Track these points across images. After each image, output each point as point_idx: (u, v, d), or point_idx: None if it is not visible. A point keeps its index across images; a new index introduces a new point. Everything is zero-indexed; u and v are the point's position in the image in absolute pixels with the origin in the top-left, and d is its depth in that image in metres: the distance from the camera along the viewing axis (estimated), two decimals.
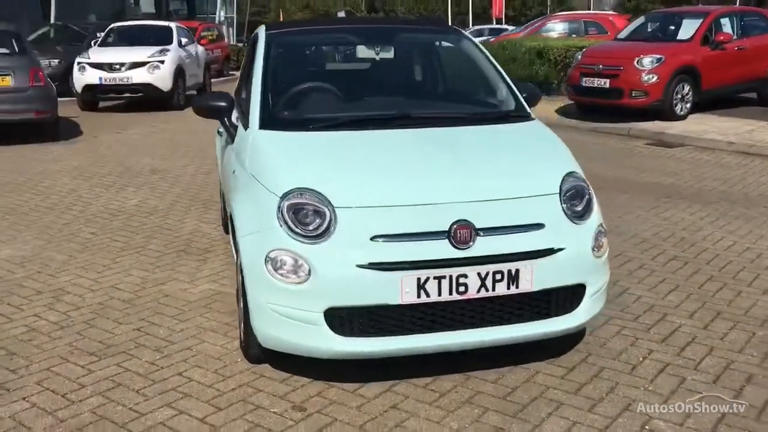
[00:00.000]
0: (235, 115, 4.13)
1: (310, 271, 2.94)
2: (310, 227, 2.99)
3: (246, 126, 3.73)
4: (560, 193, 3.26)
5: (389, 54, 4.37)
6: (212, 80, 17.38)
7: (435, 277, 2.94)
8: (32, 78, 9.57)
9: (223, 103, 3.88)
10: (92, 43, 14.31)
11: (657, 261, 5.00)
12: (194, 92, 15.65)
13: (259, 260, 3.03)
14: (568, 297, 3.21)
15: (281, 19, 40.25)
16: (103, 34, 14.56)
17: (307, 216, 3.01)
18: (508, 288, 3.03)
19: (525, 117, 3.94)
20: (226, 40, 23.81)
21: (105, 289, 4.52)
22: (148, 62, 13.03)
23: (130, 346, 3.70)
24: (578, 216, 3.27)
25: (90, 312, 4.15)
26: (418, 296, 2.94)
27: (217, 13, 27.07)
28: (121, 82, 12.93)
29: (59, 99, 10.61)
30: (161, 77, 13.03)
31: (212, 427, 2.92)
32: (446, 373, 3.30)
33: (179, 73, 13.60)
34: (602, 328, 3.83)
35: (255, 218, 3.16)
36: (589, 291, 3.26)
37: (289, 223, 3.00)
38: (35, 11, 21.59)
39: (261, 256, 3.03)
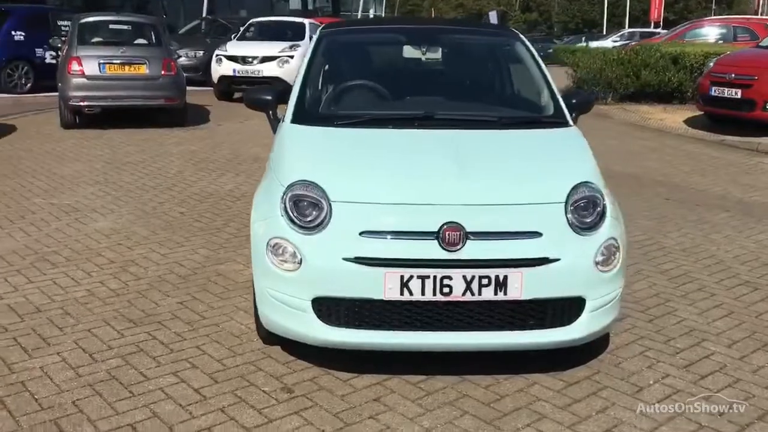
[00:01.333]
0: None
1: (301, 260, 3.08)
2: (308, 218, 3.12)
3: (284, 119, 3.92)
4: (567, 203, 3.18)
5: (436, 54, 4.41)
6: None
7: (419, 277, 2.98)
8: (164, 67, 10.38)
9: (269, 97, 4.09)
10: (232, 36, 15.18)
11: (722, 284, 4.70)
12: None
13: (262, 246, 3.21)
14: (565, 309, 3.14)
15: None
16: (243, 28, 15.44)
17: (306, 208, 3.14)
18: (496, 294, 3.01)
19: (561, 123, 3.86)
20: None
21: (169, 264, 4.88)
22: (278, 57, 13.67)
23: (167, 317, 4.00)
24: (586, 227, 3.18)
25: (146, 283, 4.51)
26: (401, 294, 2.99)
27: (359, 9, 27.68)
28: (252, 75, 13.65)
29: (202, 88, 11.39)
30: (289, 71, 13.60)
31: (202, 397, 3.13)
32: (446, 374, 3.32)
33: None
34: (626, 348, 3.69)
35: (265, 206, 3.33)
36: (589, 306, 3.16)
37: (290, 213, 3.15)
38: (195, 5, 23.15)
39: (263, 243, 3.20)
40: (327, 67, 4.28)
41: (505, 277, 3.00)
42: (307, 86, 3.99)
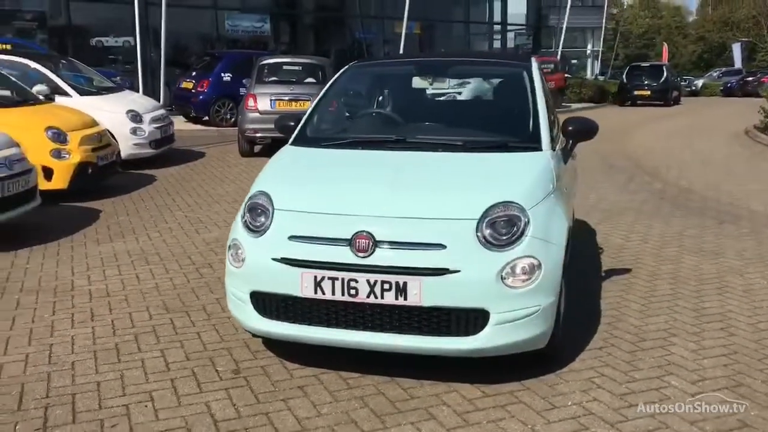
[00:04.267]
0: None
1: (244, 258, 3.59)
2: (257, 223, 3.63)
3: None
4: (481, 219, 3.35)
5: (443, 85, 4.69)
6: None
7: (329, 278, 3.34)
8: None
9: (291, 123, 4.66)
10: None
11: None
12: None
13: (227, 247, 3.77)
14: (470, 320, 3.30)
15: (664, 55, 38.77)
16: None
17: (259, 214, 3.65)
18: (396, 299, 3.28)
19: (531, 148, 3.98)
20: (563, 73, 24.13)
21: None
22: (447, 92, 14.24)
23: (196, 308, 4.68)
24: (499, 244, 3.33)
25: (204, 282, 5.25)
26: (315, 292, 3.37)
27: (559, 46, 27.45)
28: None
29: None
30: None
31: (167, 369, 3.73)
32: (385, 374, 3.61)
33: None
34: (582, 372, 3.71)
35: (239, 213, 3.90)
36: (494, 319, 3.29)
37: (246, 218, 3.69)
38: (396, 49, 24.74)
39: (227, 244, 3.77)
40: (339, 95, 4.77)
41: (405, 284, 3.26)
42: (316, 111, 4.52)
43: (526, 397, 3.42)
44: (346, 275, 3.32)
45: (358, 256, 3.32)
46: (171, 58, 17.32)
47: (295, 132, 4.41)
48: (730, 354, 3.96)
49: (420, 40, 25.36)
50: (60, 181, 8.05)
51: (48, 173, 7.98)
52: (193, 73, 15.63)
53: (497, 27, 29.91)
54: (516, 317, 3.33)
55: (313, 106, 4.56)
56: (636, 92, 25.21)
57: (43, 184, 7.95)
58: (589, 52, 36.17)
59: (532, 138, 4.04)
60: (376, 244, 3.32)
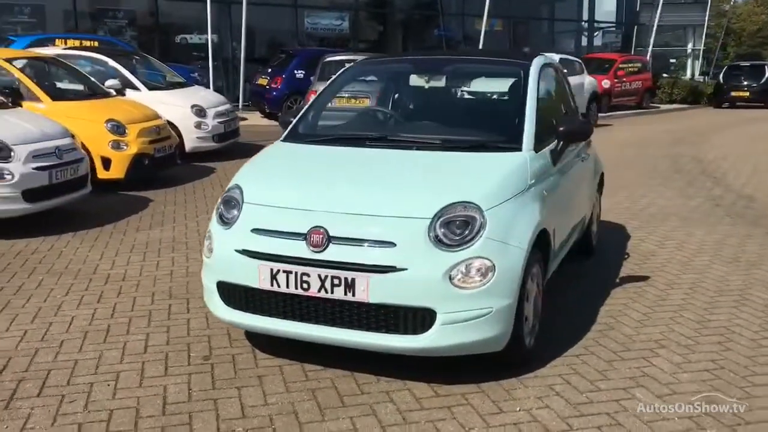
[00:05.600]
0: None
1: (213, 249, 3.71)
2: (229, 216, 3.74)
3: None
4: (435, 219, 3.34)
5: (440, 83, 4.65)
6: (631, 110, 17.53)
7: (284, 271, 3.41)
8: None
9: (291, 119, 4.76)
10: None
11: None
12: None
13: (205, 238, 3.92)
14: (417, 319, 3.30)
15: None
16: None
17: (232, 207, 3.77)
18: (345, 294, 3.31)
19: (510, 149, 3.92)
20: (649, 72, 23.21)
21: None
22: None
23: (198, 295, 4.86)
24: (451, 244, 3.30)
25: None
26: (271, 285, 3.45)
27: (650, 45, 26.35)
28: None
29: None
30: None
31: (144, 351, 3.91)
32: (348, 369, 3.66)
33: None
34: (548, 378, 3.63)
35: (216, 206, 4.03)
36: (440, 319, 3.27)
37: (220, 210, 3.81)
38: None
39: (204, 237, 3.91)
40: (336, 92, 4.82)
41: (353, 280, 3.29)
42: (312, 108, 4.60)
43: (476, 400, 3.38)
44: (300, 269, 3.38)
45: (312, 251, 3.38)
46: (252, 55, 17.87)
47: (288, 128, 4.50)
48: (715, 369, 3.78)
49: (502, 38, 25.01)
50: (117, 171, 8.51)
51: (106, 163, 8.46)
52: (269, 70, 16.07)
53: (585, 25, 29.07)
54: (464, 318, 3.30)
55: (309, 103, 4.64)
56: (733, 93, 23.91)
57: (102, 173, 8.47)
58: (689, 50, 34.58)
59: (512, 138, 3.97)
60: (330, 239, 3.37)
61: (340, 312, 3.38)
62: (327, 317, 3.41)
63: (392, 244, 3.31)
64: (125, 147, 8.51)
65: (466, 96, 4.75)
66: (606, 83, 19.64)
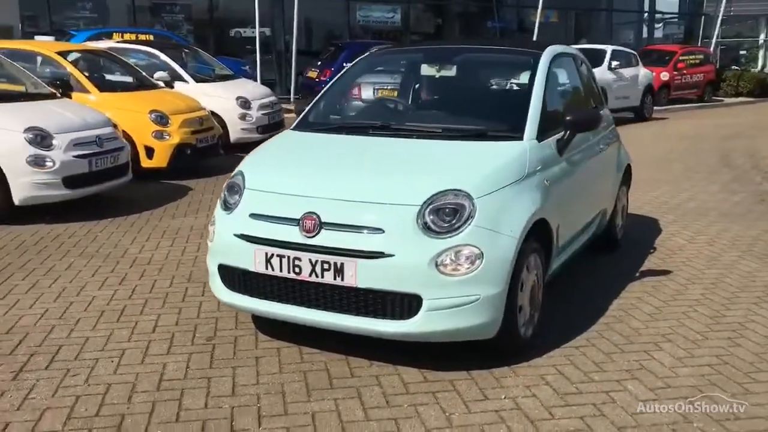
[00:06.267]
0: None
1: (215, 234, 3.83)
2: (231, 201, 3.85)
3: None
4: (424, 206, 3.36)
5: (450, 72, 4.64)
6: (692, 104, 17.11)
7: (278, 255, 3.49)
8: None
9: (306, 108, 4.84)
10: None
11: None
12: (631, 114, 15.83)
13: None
14: (404, 304, 3.33)
15: None
16: None
17: (235, 193, 3.87)
18: (335, 279, 3.37)
19: (511, 138, 3.90)
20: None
21: None
22: None
23: None
24: (440, 231, 3.32)
25: None
26: (266, 268, 3.54)
27: (714, 36, 25.42)
28: None
29: None
30: None
31: (152, 331, 4.06)
32: (344, 353, 3.73)
33: None
34: (541, 368, 3.62)
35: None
36: (426, 305, 3.30)
37: (224, 195, 3.92)
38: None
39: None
40: (349, 82, 4.87)
41: (342, 265, 3.35)
42: (324, 97, 4.67)
43: (464, 386, 3.40)
44: (292, 253, 3.46)
45: (305, 236, 3.45)
46: (304, 48, 18.08)
47: (300, 117, 4.59)
48: (718, 365, 3.69)
49: (557, 30, 24.57)
50: (160, 160, 8.78)
51: (149, 152, 8.74)
52: (318, 63, 16.23)
53: (646, 16, 28.29)
54: (451, 305, 3.31)
55: (322, 92, 4.71)
56: None
57: (145, 162, 8.76)
58: (761, 41, 33.20)
59: (514, 128, 3.95)
60: (322, 225, 3.43)
61: (331, 296, 3.44)
62: (318, 301, 3.48)
63: (381, 231, 3.35)
64: (168, 137, 8.76)
65: (475, 85, 4.74)
66: (665, 75, 19.12)
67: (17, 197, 6.49)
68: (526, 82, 4.27)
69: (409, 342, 3.52)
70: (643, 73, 16.04)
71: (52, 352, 3.77)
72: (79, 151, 6.81)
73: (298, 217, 3.49)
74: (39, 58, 9.45)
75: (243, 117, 10.94)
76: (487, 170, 3.61)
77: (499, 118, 4.18)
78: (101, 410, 3.16)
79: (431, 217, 3.36)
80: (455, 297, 3.32)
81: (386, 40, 18.70)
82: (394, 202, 3.42)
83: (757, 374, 3.58)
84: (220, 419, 3.09)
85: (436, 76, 4.77)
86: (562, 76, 4.77)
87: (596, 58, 14.91)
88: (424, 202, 3.38)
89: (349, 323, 3.45)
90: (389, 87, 11.67)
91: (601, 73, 14.43)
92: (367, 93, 11.65)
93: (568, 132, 4.14)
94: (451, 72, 4.72)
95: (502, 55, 4.84)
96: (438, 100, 4.70)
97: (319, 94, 4.72)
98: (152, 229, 6.47)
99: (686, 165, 10.29)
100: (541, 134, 4.00)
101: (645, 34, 27.97)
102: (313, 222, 3.44)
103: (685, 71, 19.89)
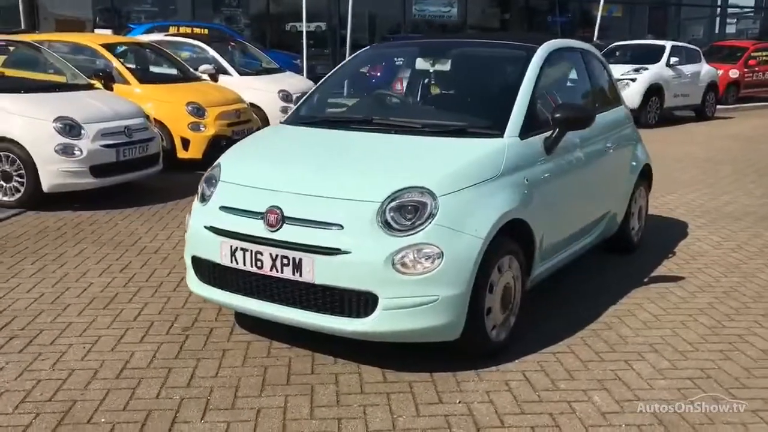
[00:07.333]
0: None
1: (189, 225, 3.85)
2: (207, 193, 3.86)
3: None
4: (385, 202, 3.29)
5: (445, 67, 4.52)
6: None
7: (241, 249, 3.48)
8: None
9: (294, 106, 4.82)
10: None
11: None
12: (692, 113, 15.26)
13: None
14: (361, 302, 3.27)
15: None
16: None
17: (211, 185, 3.88)
18: (293, 274, 3.34)
19: (490, 135, 3.78)
20: None
21: None
22: (619, 80, 13.37)
23: None
24: (400, 229, 3.25)
25: None
26: (231, 261, 3.53)
27: None
28: None
29: None
30: (628, 95, 13.24)
31: (133, 319, 4.12)
32: (311, 350, 3.71)
33: (654, 91, 13.55)
34: (509, 373, 3.50)
35: None
36: (382, 303, 3.22)
37: (202, 188, 3.94)
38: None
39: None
40: (344, 76, 4.81)
41: (300, 260, 3.31)
42: (317, 91, 4.64)
43: (421, 388, 3.32)
44: (255, 247, 3.44)
45: (268, 230, 3.43)
46: (359, 42, 18.06)
47: (291, 111, 4.57)
48: (699, 378, 3.49)
49: (621, 24, 23.82)
50: (195, 151, 8.94)
51: (185, 143, 8.92)
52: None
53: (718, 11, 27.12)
54: (408, 304, 3.23)
55: (316, 86, 4.68)
56: None
57: (181, 153, 8.94)
58: None
59: (495, 125, 3.82)
60: (285, 219, 3.40)
61: (291, 291, 3.41)
62: (279, 296, 3.46)
63: (340, 227, 3.30)
64: (203, 129, 8.91)
65: (466, 80, 4.61)
66: (734, 73, 18.29)
67: (46, 184, 6.71)
68: (515, 77, 4.12)
69: (386, 343, 3.46)
70: (705, 70, 15.37)
71: (32, 336, 3.87)
72: (107, 140, 7.00)
73: (262, 210, 3.47)
74: (86, 51, 9.76)
75: (284, 110, 10.99)
76: (455, 167, 3.50)
77: (482, 115, 4.05)
78: (56, 395, 3.22)
79: (392, 214, 3.28)
80: (413, 297, 3.23)
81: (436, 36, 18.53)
82: (355, 198, 3.36)
83: (738, 390, 3.37)
84: (166, 410, 3.10)
85: (430, 71, 4.68)
86: (562, 73, 4.60)
87: (654, 54, 14.41)
88: (386, 199, 3.30)
89: (309, 320, 3.41)
90: None
91: (658, 69, 13.97)
92: None
93: (557, 130, 3.98)
94: (446, 66, 4.62)
95: (496, 50, 4.69)
96: (428, 94, 4.61)
97: (314, 88, 4.69)
98: (172, 219, 6.59)
99: (735, 167, 9.80)
100: (526, 132, 3.86)
101: (717, 30, 26.86)
102: (276, 216, 3.41)
103: (757, 68, 18.98)
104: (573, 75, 4.85)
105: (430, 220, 3.26)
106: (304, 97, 4.65)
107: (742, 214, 7.08)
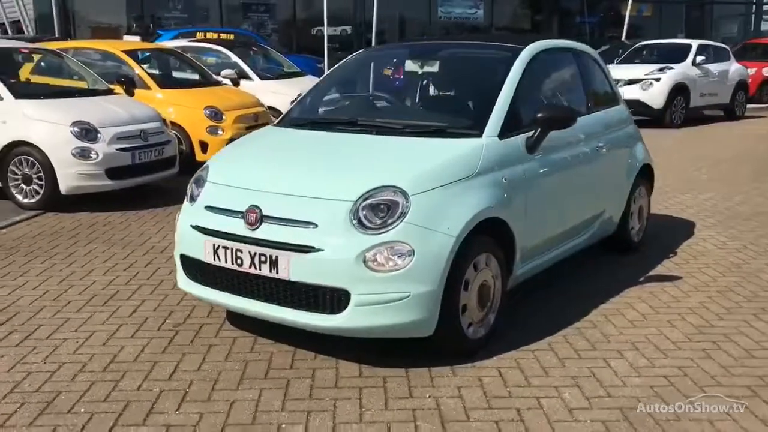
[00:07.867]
0: None
1: (177, 224, 3.98)
2: (196, 193, 3.99)
3: None
4: (358, 201, 3.37)
5: (433, 69, 4.58)
6: None
7: (223, 247, 3.59)
8: None
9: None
10: (615, 60, 15.14)
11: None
12: (721, 112, 15.04)
13: None
14: (335, 298, 3.35)
15: None
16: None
17: (199, 185, 4.01)
18: (270, 271, 3.44)
19: (469, 135, 3.83)
20: None
21: None
22: (642, 80, 13.27)
23: None
24: (372, 227, 3.32)
25: None
26: (214, 259, 3.65)
27: None
28: None
29: None
30: (652, 94, 13.13)
31: (126, 316, 4.27)
32: (298, 346, 3.80)
33: (679, 91, 13.38)
34: (484, 369, 3.55)
35: None
36: (354, 299, 3.30)
37: (191, 188, 4.07)
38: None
39: None
40: (337, 79, 4.90)
41: (277, 258, 3.41)
42: (309, 94, 4.74)
43: (393, 383, 3.38)
44: (235, 245, 3.55)
45: (247, 229, 3.53)
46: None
47: (284, 113, 4.68)
48: (675, 376, 3.50)
49: (650, 24, 23.48)
50: (213, 155, 9.12)
51: (204, 147, 9.11)
52: (394, 60, 16.33)
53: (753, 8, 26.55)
54: (379, 300, 3.31)
55: (308, 89, 4.78)
56: None
57: (200, 156, 9.12)
58: None
59: (474, 125, 3.88)
60: (263, 218, 3.50)
61: (269, 288, 3.51)
62: (258, 292, 3.56)
63: (314, 225, 3.39)
64: (221, 132, 9.08)
65: (451, 82, 4.67)
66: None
67: (63, 187, 6.95)
68: (498, 78, 4.16)
69: (366, 339, 3.54)
70: (734, 68, 15.11)
71: (30, 330, 4.04)
72: (123, 144, 7.21)
73: (243, 209, 3.58)
74: (110, 57, 10.04)
75: None
76: (429, 167, 3.57)
77: (463, 115, 4.12)
78: (43, 387, 3.36)
79: (365, 212, 3.36)
80: (384, 293, 3.31)
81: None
82: (329, 197, 3.45)
83: (712, 388, 3.36)
84: (144, 401, 3.22)
85: (419, 72, 4.74)
86: (551, 73, 4.62)
87: (680, 53, 14.23)
88: (359, 198, 3.38)
89: (286, 316, 3.51)
90: None
91: (683, 68, 13.79)
92: None
93: (539, 130, 4.01)
94: (434, 68, 4.68)
95: (483, 52, 4.73)
96: (415, 96, 4.68)
97: (307, 91, 4.79)
98: None
99: (754, 168, 9.64)
100: (507, 132, 3.91)
101: (753, 28, 26.32)
102: (255, 215, 3.51)
103: None
104: (563, 75, 4.86)
105: (401, 219, 3.33)
106: (297, 101, 4.76)
107: (753, 214, 6.99)
